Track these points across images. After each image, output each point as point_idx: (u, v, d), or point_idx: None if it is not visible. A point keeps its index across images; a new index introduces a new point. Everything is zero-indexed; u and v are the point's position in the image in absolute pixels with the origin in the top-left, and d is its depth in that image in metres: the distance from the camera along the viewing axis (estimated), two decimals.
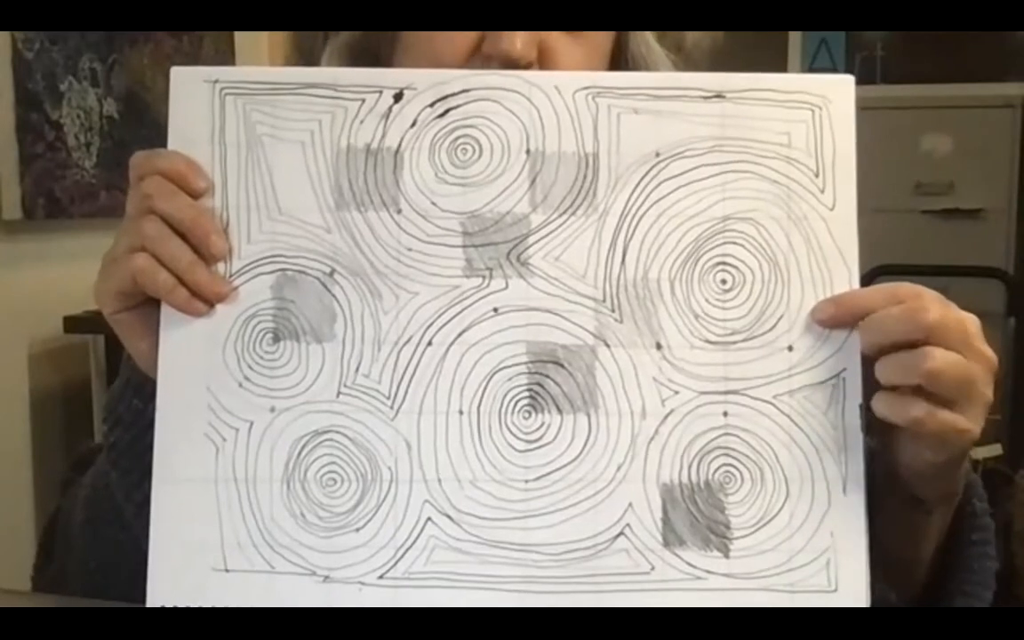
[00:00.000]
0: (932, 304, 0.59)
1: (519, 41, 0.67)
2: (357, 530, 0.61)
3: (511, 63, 0.67)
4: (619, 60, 0.76)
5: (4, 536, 1.98)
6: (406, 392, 0.62)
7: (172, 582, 0.60)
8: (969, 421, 0.58)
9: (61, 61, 2.19)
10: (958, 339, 0.58)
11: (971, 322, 0.59)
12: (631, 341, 0.62)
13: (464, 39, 0.69)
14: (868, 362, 0.60)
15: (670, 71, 0.76)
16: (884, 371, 0.59)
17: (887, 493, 0.63)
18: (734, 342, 0.62)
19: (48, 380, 2.24)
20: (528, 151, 0.63)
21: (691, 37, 0.79)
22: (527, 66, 0.68)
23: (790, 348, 0.62)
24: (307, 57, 0.76)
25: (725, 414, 0.61)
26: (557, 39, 0.70)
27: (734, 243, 0.63)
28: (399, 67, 0.73)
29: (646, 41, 0.76)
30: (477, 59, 0.69)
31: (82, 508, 0.74)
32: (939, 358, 0.57)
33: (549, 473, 0.61)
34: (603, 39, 0.74)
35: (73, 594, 0.75)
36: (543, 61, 0.69)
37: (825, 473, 0.61)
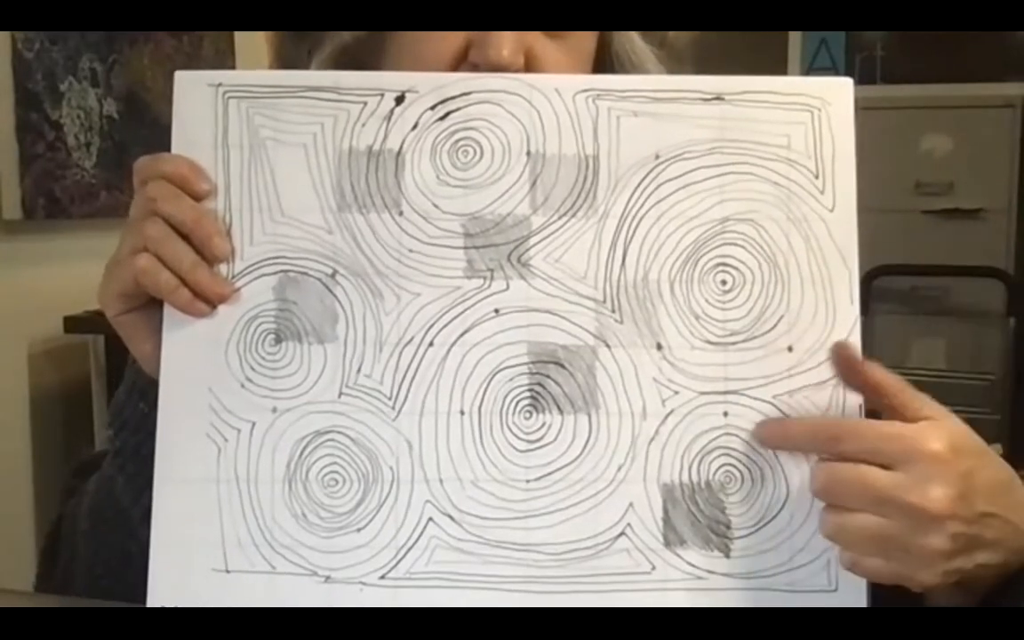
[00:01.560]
0: (823, 471, 0.57)
1: (505, 49, 0.67)
2: (358, 530, 0.61)
3: (498, 71, 0.67)
4: (603, 59, 0.76)
5: (4, 536, 1.98)
6: (407, 392, 0.62)
7: (173, 582, 0.61)
8: (909, 569, 0.55)
9: (61, 61, 2.19)
10: (868, 503, 0.55)
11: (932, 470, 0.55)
12: (631, 342, 0.62)
13: (450, 48, 0.69)
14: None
15: (655, 67, 0.76)
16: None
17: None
18: (734, 343, 0.62)
19: (48, 380, 2.24)
20: (529, 153, 0.63)
21: (671, 33, 0.79)
22: (515, 73, 0.68)
23: (790, 349, 0.62)
24: (290, 69, 0.76)
25: (725, 414, 0.62)
26: (541, 43, 0.70)
27: (734, 244, 0.63)
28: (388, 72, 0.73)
29: (630, 38, 0.76)
30: (464, 67, 0.69)
31: (87, 515, 0.74)
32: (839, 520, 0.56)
33: (550, 473, 0.61)
34: (587, 40, 0.74)
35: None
36: (529, 67, 0.69)
37: None
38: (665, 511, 0.61)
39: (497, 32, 0.67)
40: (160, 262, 0.61)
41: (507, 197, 0.63)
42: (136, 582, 0.61)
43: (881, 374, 0.59)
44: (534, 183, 0.63)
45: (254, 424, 0.62)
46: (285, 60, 0.78)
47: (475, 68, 0.68)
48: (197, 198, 0.62)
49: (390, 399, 0.62)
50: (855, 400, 0.61)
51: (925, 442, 0.55)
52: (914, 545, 0.54)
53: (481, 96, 0.63)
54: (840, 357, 0.61)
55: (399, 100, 0.63)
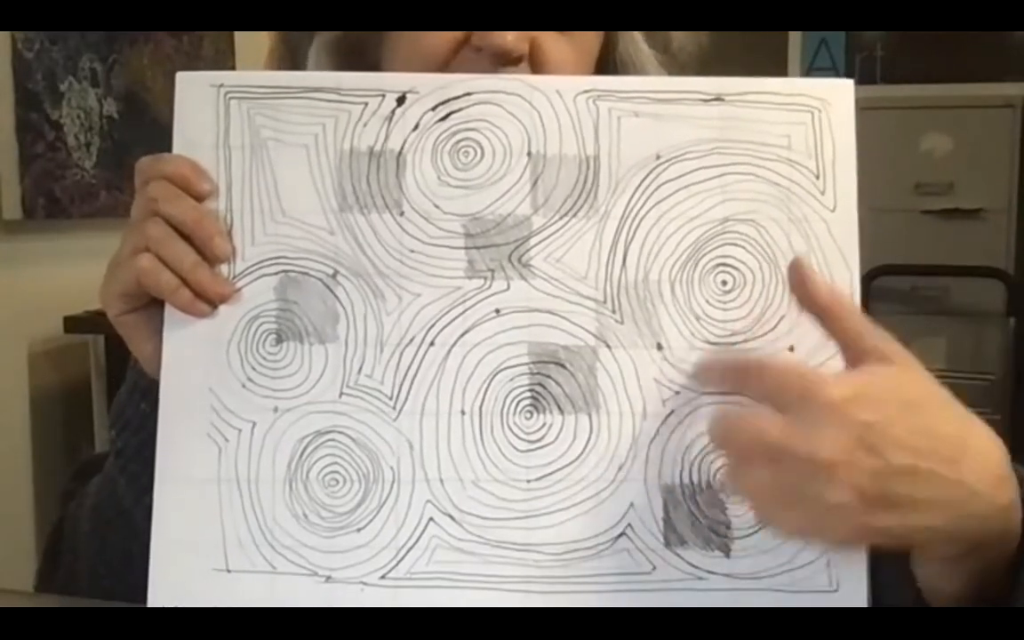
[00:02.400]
0: (723, 420, 0.54)
1: (510, 35, 0.67)
2: (359, 530, 0.61)
3: (502, 55, 0.67)
4: (607, 61, 0.76)
5: (4, 536, 1.98)
6: (408, 392, 0.62)
7: (173, 582, 0.61)
8: (824, 529, 0.52)
9: (61, 61, 2.19)
10: (761, 454, 0.52)
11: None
12: (632, 342, 0.62)
13: (452, 33, 0.69)
14: None
15: (657, 71, 0.76)
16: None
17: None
18: (735, 343, 0.62)
19: (48, 380, 2.24)
20: (529, 154, 0.63)
21: (677, 40, 0.78)
22: (518, 59, 0.68)
23: (791, 349, 0.62)
24: (293, 53, 0.76)
25: None
26: (547, 36, 0.70)
27: (734, 244, 0.63)
28: (387, 62, 0.73)
29: (635, 42, 0.76)
30: (467, 51, 0.69)
31: (89, 517, 0.74)
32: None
33: (551, 473, 0.61)
34: (593, 39, 0.74)
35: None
36: (533, 56, 0.69)
37: None
38: (666, 511, 0.61)
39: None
40: (161, 262, 0.61)
41: (508, 197, 0.63)
42: (138, 582, 0.61)
43: (830, 297, 0.57)
44: (535, 183, 0.63)
45: (255, 424, 0.62)
46: (287, 40, 0.78)
47: (478, 52, 0.68)
48: (198, 198, 0.62)
49: (391, 399, 0.62)
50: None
51: (823, 387, 0.52)
52: (811, 497, 0.51)
53: (482, 97, 0.63)
54: (795, 271, 0.58)
55: (400, 101, 0.63)
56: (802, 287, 0.58)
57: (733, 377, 0.57)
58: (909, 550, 0.56)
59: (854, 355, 0.56)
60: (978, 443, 0.54)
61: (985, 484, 0.53)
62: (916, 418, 0.52)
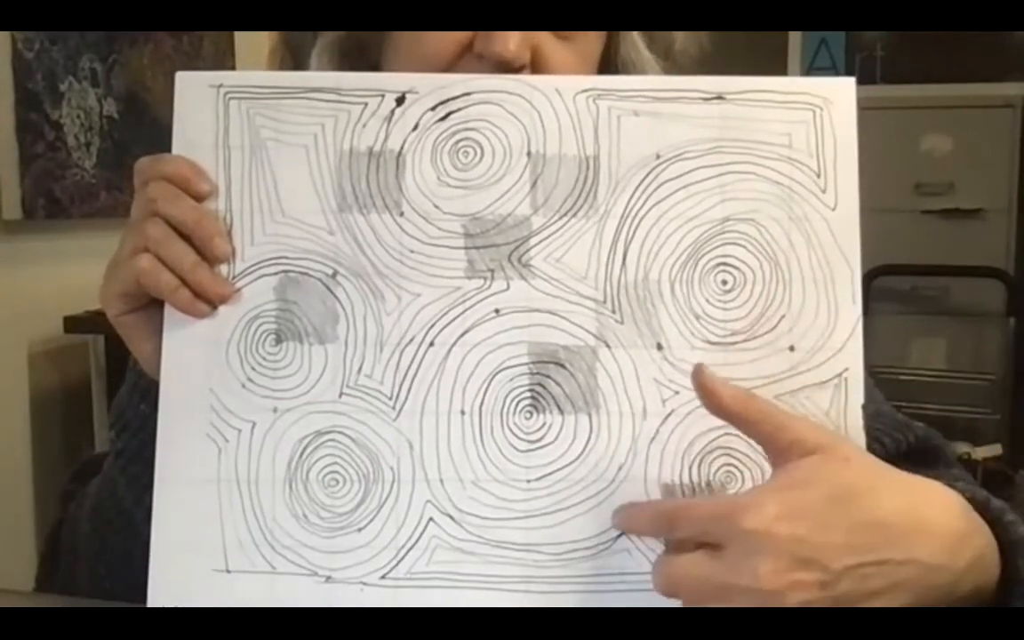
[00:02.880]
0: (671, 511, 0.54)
1: (512, 42, 0.67)
2: (359, 530, 0.61)
3: (504, 64, 0.67)
4: (608, 65, 0.76)
5: (4, 536, 1.98)
6: (408, 393, 0.62)
7: (173, 582, 0.61)
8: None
9: (61, 61, 2.19)
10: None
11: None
12: (632, 342, 0.62)
13: (454, 38, 0.69)
14: (869, 363, 0.61)
15: (657, 74, 0.76)
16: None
17: None
18: (735, 343, 0.62)
19: (48, 380, 2.24)
20: (529, 154, 0.63)
21: (679, 44, 0.78)
22: (520, 68, 0.68)
23: (791, 348, 0.62)
24: (295, 54, 0.76)
25: None
26: (548, 42, 0.70)
27: (735, 244, 0.63)
28: (389, 65, 0.73)
29: (636, 46, 0.76)
30: (469, 58, 0.69)
31: (89, 517, 0.74)
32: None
33: (551, 473, 0.61)
34: (594, 43, 0.74)
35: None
36: (535, 63, 0.69)
37: None
38: None
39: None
40: (161, 263, 0.61)
41: (508, 197, 0.63)
42: (139, 583, 0.61)
43: (736, 403, 0.55)
44: (535, 183, 0.63)
45: (255, 424, 0.62)
46: (289, 42, 0.78)
47: (480, 59, 0.68)
48: (198, 199, 0.62)
49: (391, 399, 0.62)
50: (857, 400, 0.61)
51: (744, 515, 0.51)
52: (773, 608, 0.51)
53: (482, 97, 0.63)
54: (697, 381, 0.56)
55: (400, 101, 0.63)
56: (708, 398, 0.56)
57: (664, 527, 0.55)
58: None
59: (776, 453, 0.55)
60: (927, 511, 0.53)
61: (942, 554, 0.52)
62: (850, 511, 0.51)
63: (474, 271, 0.62)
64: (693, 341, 0.62)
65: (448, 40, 0.69)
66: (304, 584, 0.61)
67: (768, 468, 0.61)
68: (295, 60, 0.78)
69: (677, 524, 0.54)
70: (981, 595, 0.55)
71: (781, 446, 0.54)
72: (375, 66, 0.74)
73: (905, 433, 0.73)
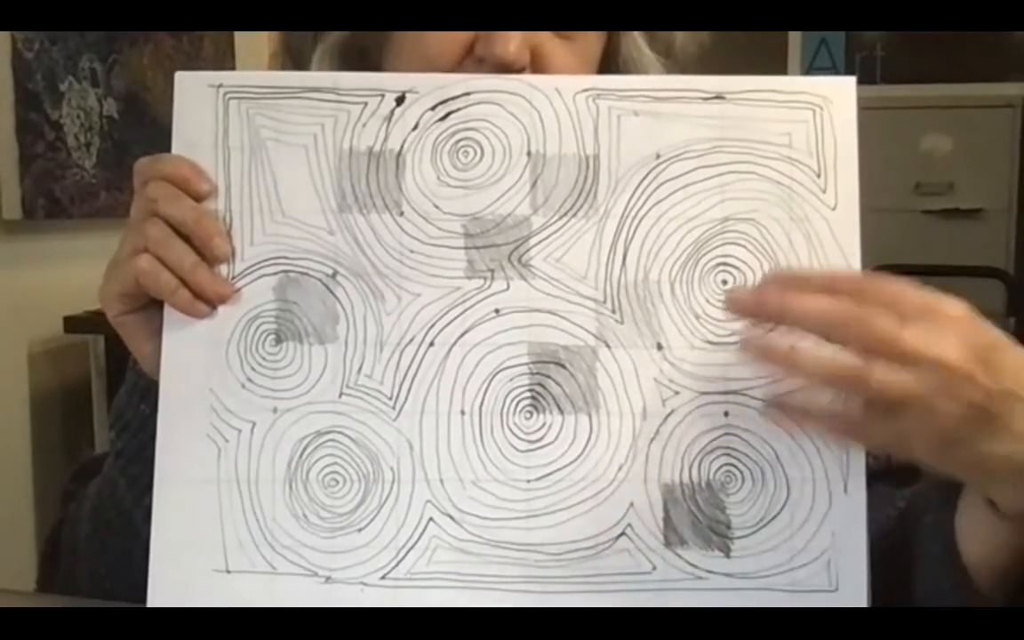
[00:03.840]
0: (854, 311, 0.52)
1: (512, 45, 0.67)
2: (359, 530, 0.61)
3: (504, 67, 0.67)
4: (609, 64, 0.76)
5: (4, 536, 1.98)
6: (408, 393, 0.62)
7: (173, 583, 0.61)
8: (921, 438, 0.53)
9: (61, 61, 2.19)
10: (887, 351, 0.52)
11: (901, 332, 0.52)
12: (632, 342, 0.62)
13: (455, 40, 0.69)
14: None
15: (659, 74, 0.76)
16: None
17: (965, 490, 0.60)
18: (735, 342, 0.62)
19: (48, 380, 2.24)
20: (529, 153, 0.63)
21: (679, 42, 0.78)
22: (520, 70, 0.68)
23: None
24: (296, 58, 0.76)
25: (726, 414, 0.62)
26: (549, 42, 0.70)
27: (735, 244, 0.63)
28: (390, 69, 0.73)
29: (636, 45, 0.76)
30: (470, 61, 0.69)
31: (89, 518, 0.74)
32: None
33: (551, 473, 0.61)
34: (594, 43, 0.74)
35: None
36: (535, 65, 0.69)
37: (826, 473, 0.61)
38: (666, 511, 0.61)
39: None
40: (160, 263, 0.61)
41: (508, 197, 0.63)
42: (139, 584, 0.61)
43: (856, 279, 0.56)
44: (535, 183, 0.63)
45: (255, 424, 0.62)
46: (289, 47, 0.78)
47: (480, 62, 0.68)
48: (197, 199, 0.62)
49: (391, 399, 0.62)
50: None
51: (946, 303, 0.53)
52: (921, 405, 0.51)
53: (481, 96, 0.63)
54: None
55: (399, 101, 0.63)
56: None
57: (847, 292, 0.54)
58: (980, 492, 0.57)
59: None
60: None
61: None
62: (1014, 352, 0.53)
63: (474, 271, 0.62)
64: (693, 341, 0.62)
65: (449, 43, 0.69)
66: (304, 584, 0.61)
67: (768, 471, 0.61)
68: (296, 65, 0.78)
69: (865, 293, 0.53)
70: None
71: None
72: (376, 70, 0.74)
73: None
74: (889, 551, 0.63)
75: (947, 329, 0.52)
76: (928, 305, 0.53)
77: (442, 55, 0.69)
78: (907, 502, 0.68)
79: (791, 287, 0.56)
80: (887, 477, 0.68)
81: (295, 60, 0.77)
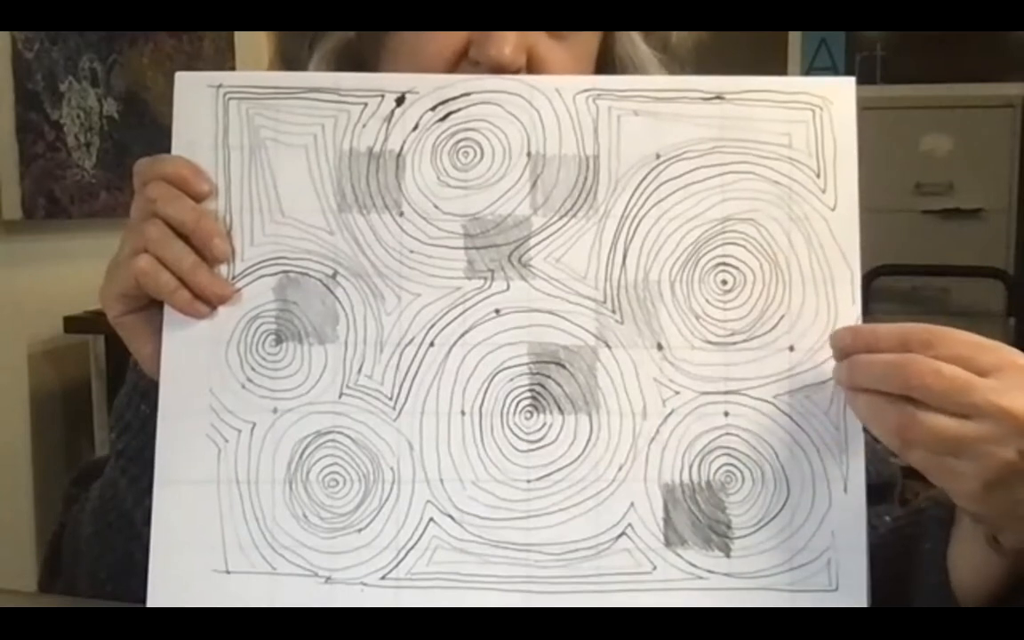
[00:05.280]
0: (922, 361, 0.54)
1: (507, 47, 0.66)
2: (359, 531, 0.61)
3: (500, 70, 0.66)
4: (605, 61, 0.75)
5: (4, 536, 1.98)
6: (408, 393, 0.62)
7: (172, 583, 0.61)
8: (969, 477, 0.54)
9: (61, 61, 2.19)
10: (951, 401, 0.53)
11: (976, 383, 0.53)
12: (632, 342, 0.62)
13: (450, 45, 0.69)
14: None
15: (657, 70, 0.76)
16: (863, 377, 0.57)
17: (960, 520, 0.61)
18: (735, 342, 0.62)
19: (48, 380, 2.24)
20: (529, 154, 0.63)
21: (675, 37, 0.78)
22: (516, 72, 0.67)
23: (791, 348, 0.62)
24: (291, 65, 0.76)
25: (726, 414, 0.62)
26: (544, 44, 0.69)
27: (734, 244, 0.63)
28: (388, 73, 0.73)
29: (632, 41, 0.76)
30: (465, 65, 0.69)
31: (90, 520, 0.74)
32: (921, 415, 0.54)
33: (551, 473, 0.61)
34: (589, 41, 0.74)
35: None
36: (531, 67, 0.68)
37: (826, 473, 0.61)
38: (666, 511, 0.61)
39: (499, 31, 0.67)
40: (160, 263, 0.61)
41: (508, 198, 0.63)
42: (140, 586, 0.61)
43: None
44: (534, 184, 0.63)
45: (254, 425, 0.62)
46: (286, 54, 0.78)
47: (476, 66, 0.68)
48: (197, 199, 0.62)
49: (391, 399, 0.62)
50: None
51: (1018, 357, 0.55)
52: (983, 450, 0.53)
53: (481, 97, 0.63)
54: (856, 339, 0.58)
55: (399, 101, 0.63)
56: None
57: (917, 344, 0.55)
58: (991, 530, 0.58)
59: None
60: None
61: None
62: None
63: (474, 271, 0.62)
64: (693, 341, 0.62)
65: (444, 48, 0.69)
66: (304, 585, 0.61)
67: (768, 471, 0.61)
68: (291, 71, 0.78)
69: (935, 344, 0.55)
70: None
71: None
72: None
73: (880, 468, 0.72)
74: (883, 574, 0.63)
75: (1019, 382, 0.53)
76: (1003, 359, 0.54)
77: (437, 60, 0.69)
78: (903, 522, 0.68)
79: (862, 344, 0.57)
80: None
81: (291, 67, 0.77)
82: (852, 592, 0.60)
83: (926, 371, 0.54)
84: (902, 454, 0.56)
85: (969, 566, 0.61)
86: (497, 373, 0.62)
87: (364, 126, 0.63)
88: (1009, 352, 0.55)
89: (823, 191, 0.63)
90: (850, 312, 0.62)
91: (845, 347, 0.58)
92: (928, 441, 0.54)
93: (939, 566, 0.62)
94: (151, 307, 0.63)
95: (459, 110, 0.63)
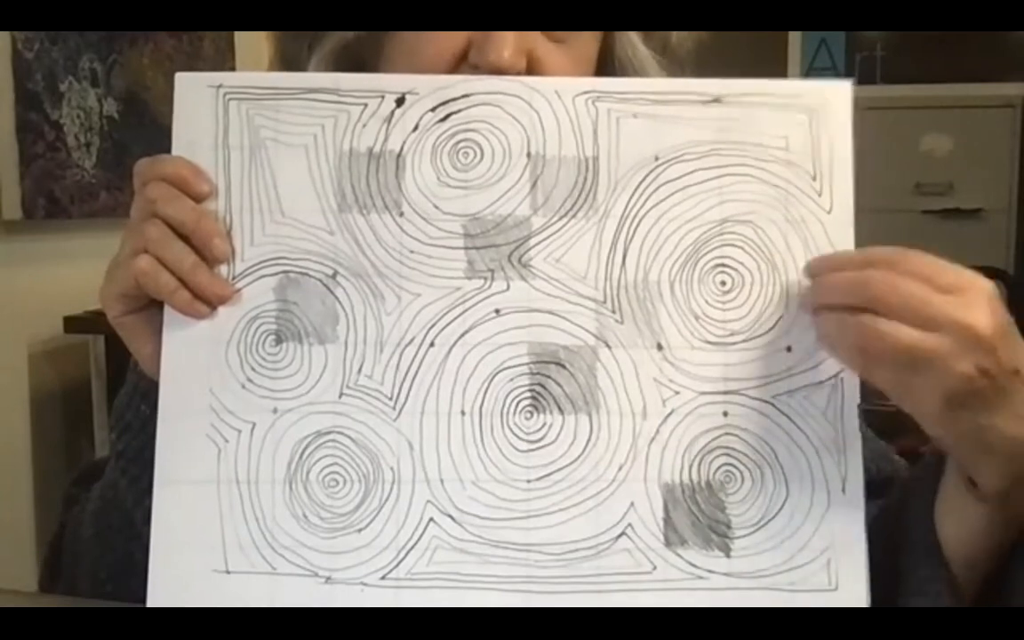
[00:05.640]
0: (882, 275, 0.56)
1: (506, 51, 0.66)
2: (359, 531, 0.61)
3: (499, 73, 0.66)
4: (605, 64, 0.75)
5: (4, 536, 1.98)
6: (408, 393, 0.62)
7: (172, 583, 0.61)
8: (928, 393, 0.55)
9: (61, 61, 2.19)
10: (910, 311, 0.54)
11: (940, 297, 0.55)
12: (632, 342, 0.62)
13: (449, 47, 0.69)
14: None
15: (657, 72, 0.76)
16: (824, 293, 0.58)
17: (941, 472, 0.62)
18: (734, 343, 0.62)
19: (48, 380, 2.24)
20: (529, 155, 0.63)
21: (675, 38, 0.78)
22: (515, 75, 0.68)
23: (789, 349, 0.62)
24: (291, 66, 0.76)
25: (725, 414, 0.62)
26: (543, 47, 0.69)
27: (733, 245, 0.63)
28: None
29: (632, 43, 0.76)
30: (464, 68, 0.69)
31: (90, 521, 0.74)
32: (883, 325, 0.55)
33: (551, 473, 0.61)
34: (589, 44, 0.74)
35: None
36: (530, 70, 0.69)
37: (824, 472, 0.61)
38: (666, 511, 0.61)
39: (498, 33, 0.67)
40: (160, 264, 0.61)
41: (507, 198, 0.63)
42: (140, 586, 0.61)
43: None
44: (534, 184, 0.63)
45: (255, 425, 0.62)
46: (285, 56, 0.78)
47: (475, 69, 0.68)
48: (197, 199, 0.62)
49: (391, 399, 0.62)
50: (853, 400, 0.61)
51: (978, 279, 0.56)
52: (941, 365, 0.54)
53: (481, 98, 0.63)
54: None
55: (399, 102, 0.63)
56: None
57: (881, 263, 0.57)
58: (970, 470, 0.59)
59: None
60: None
61: None
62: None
63: (474, 271, 0.63)
64: (693, 341, 0.62)
65: (443, 50, 0.69)
66: (304, 585, 0.61)
67: (767, 470, 0.61)
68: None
69: (899, 262, 0.57)
70: None
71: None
72: None
73: (881, 464, 0.72)
74: (873, 538, 0.64)
75: (978, 300, 0.55)
76: (963, 278, 0.56)
77: (437, 62, 0.69)
78: (896, 493, 0.68)
79: (829, 265, 0.59)
80: None
81: (290, 68, 0.77)
82: (852, 592, 0.60)
83: (887, 283, 0.56)
84: (866, 374, 0.58)
85: (953, 519, 0.61)
86: (497, 373, 0.62)
87: (364, 126, 0.63)
88: (971, 274, 0.56)
89: (819, 194, 0.63)
90: None
91: (814, 269, 0.60)
92: (888, 352, 0.55)
93: (926, 524, 0.62)
94: (151, 307, 0.63)
95: (459, 111, 0.63)
